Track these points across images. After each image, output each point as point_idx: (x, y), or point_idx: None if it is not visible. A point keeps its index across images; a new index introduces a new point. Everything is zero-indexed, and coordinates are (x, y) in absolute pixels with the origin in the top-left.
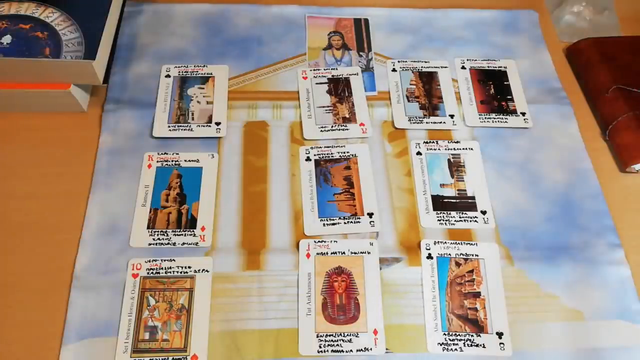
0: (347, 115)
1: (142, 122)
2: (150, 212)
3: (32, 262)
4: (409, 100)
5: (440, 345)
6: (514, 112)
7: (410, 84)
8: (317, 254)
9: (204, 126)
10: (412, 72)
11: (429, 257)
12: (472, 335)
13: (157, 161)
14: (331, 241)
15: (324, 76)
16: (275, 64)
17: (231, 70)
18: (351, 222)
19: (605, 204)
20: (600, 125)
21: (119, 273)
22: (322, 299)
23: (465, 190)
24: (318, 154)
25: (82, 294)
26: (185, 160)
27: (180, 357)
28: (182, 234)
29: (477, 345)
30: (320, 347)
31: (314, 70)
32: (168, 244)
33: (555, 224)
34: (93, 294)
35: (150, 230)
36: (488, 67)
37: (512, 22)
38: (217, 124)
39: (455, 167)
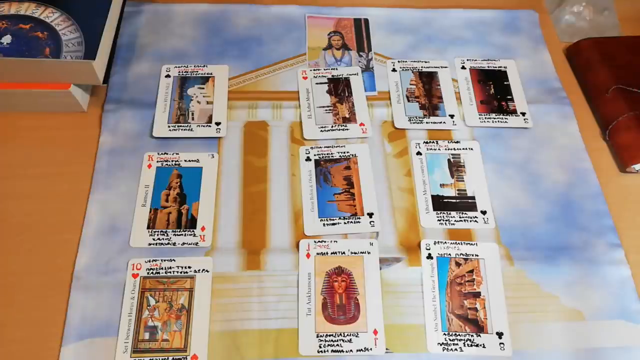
0: (347, 115)
1: (142, 122)
2: (150, 212)
3: (32, 262)
4: (409, 100)
5: (440, 345)
6: (514, 112)
7: (410, 84)
8: (317, 254)
9: (204, 126)
10: (412, 72)
11: (429, 257)
12: (472, 335)
13: (157, 161)
14: (331, 241)
15: (324, 76)
16: (275, 64)
17: (231, 70)
18: (351, 222)
19: (605, 204)
20: (600, 125)
21: (119, 273)
22: (322, 299)
23: (465, 190)
24: (318, 154)
25: (82, 294)
26: (185, 160)
27: (180, 357)
28: (182, 234)
29: (477, 345)
30: (320, 347)
31: (314, 70)
32: (168, 244)
33: (555, 224)
34: (93, 294)
35: (150, 230)
36: (488, 67)
37: (512, 22)
38: (217, 124)
39: (455, 167)
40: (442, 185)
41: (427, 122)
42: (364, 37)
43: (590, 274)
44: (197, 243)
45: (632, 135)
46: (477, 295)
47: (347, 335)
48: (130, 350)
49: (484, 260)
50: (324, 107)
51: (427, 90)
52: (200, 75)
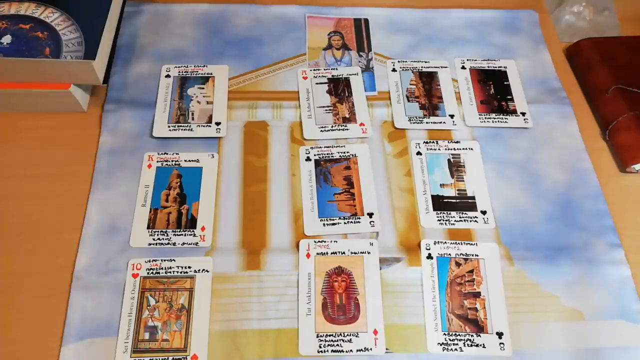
0: (347, 115)
1: (142, 122)
2: (150, 212)
3: (32, 262)
4: (409, 100)
5: (440, 345)
6: (514, 112)
7: (410, 84)
8: (317, 254)
9: (204, 126)
10: (412, 72)
11: (429, 257)
12: (472, 335)
13: (157, 161)
14: (331, 241)
15: (324, 76)
16: (275, 64)
17: (231, 70)
18: (351, 222)
19: (605, 204)
20: (600, 125)
21: (119, 273)
22: (322, 299)
23: (465, 190)
24: (318, 154)
25: (82, 294)
26: (185, 160)
27: (180, 357)
28: (182, 234)
29: (477, 345)
30: (320, 347)
31: (314, 70)
32: (168, 244)
33: (555, 224)
34: (93, 294)
35: (150, 230)
36: (488, 67)
37: (512, 22)
38: (217, 124)
39: (455, 167)
40: (442, 185)
41: (427, 122)
42: (364, 37)
43: (590, 274)
44: (197, 243)
45: (632, 135)
46: (477, 295)
47: (347, 335)
48: (130, 350)
49: (484, 260)
50: (324, 107)
51: (427, 90)
52: (200, 75)
